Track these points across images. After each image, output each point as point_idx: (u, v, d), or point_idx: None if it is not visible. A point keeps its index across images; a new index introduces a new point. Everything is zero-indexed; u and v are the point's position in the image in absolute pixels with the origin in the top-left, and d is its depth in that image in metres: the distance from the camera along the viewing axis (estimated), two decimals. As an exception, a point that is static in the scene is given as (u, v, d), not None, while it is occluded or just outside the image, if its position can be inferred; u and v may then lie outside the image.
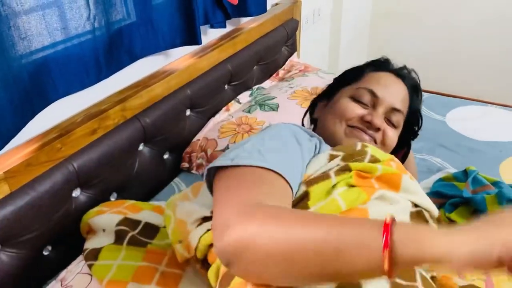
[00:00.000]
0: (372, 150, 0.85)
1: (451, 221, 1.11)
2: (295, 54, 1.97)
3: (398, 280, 0.67)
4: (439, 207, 1.15)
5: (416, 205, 0.81)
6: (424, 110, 1.71)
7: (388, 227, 0.51)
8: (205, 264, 0.82)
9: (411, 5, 2.79)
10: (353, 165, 0.79)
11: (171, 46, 1.31)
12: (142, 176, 1.23)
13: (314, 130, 1.06)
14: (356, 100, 0.98)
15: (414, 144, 1.49)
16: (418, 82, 1.08)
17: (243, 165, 0.70)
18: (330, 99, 1.04)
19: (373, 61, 1.09)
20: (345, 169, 0.79)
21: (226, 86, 1.56)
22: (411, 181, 0.83)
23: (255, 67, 1.72)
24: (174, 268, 0.91)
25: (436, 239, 0.50)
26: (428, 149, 1.46)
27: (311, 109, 1.12)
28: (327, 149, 0.86)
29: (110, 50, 1.12)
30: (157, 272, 0.89)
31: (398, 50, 2.92)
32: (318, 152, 0.85)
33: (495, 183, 1.15)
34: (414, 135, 1.11)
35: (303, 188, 0.76)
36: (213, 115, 1.49)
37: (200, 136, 1.40)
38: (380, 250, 0.50)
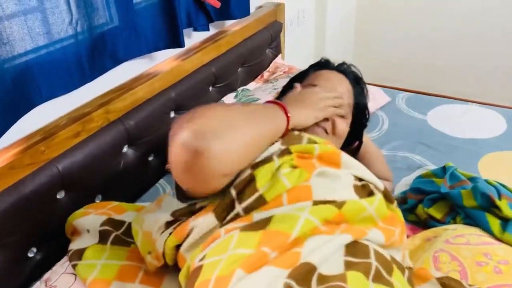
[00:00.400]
0: (308, 135, 0.90)
1: (430, 216, 1.14)
2: (280, 56, 2.00)
3: (352, 259, 0.71)
4: (419, 202, 1.19)
5: (360, 179, 0.85)
6: (406, 109, 1.75)
7: (284, 107, 0.87)
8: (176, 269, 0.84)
9: (395, 6, 2.84)
10: (292, 147, 0.84)
11: (154, 49, 1.33)
12: (127, 177, 1.25)
13: None
14: None
15: (396, 142, 1.53)
16: (359, 74, 1.15)
17: None
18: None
19: (314, 63, 1.18)
20: (286, 152, 0.83)
21: (210, 88, 1.58)
22: (350, 158, 0.88)
23: (239, 69, 1.74)
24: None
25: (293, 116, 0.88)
26: (409, 147, 1.49)
27: None
28: None
29: (93, 54, 1.14)
30: (141, 270, 0.91)
31: (382, 50, 2.97)
32: None
33: (472, 179, 1.18)
34: (363, 126, 1.17)
35: (248, 171, 0.79)
36: (198, 117, 1.51)
37: (185, 137, 1.42)
38: (284, 118, 0.86)
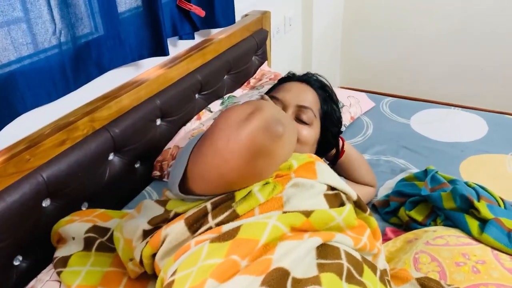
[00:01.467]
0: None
1: (411, 219, 1.16)
2: (266, 63, 2.02)
3: (324, 261, 0.73)
4: (401, 205, 1.21)
5: (333, 188, 0.87)
6: (389, 114, 1.78)
7: None
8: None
9: (381, 14, 2.88)
10: None
11: (139, 58, 1.34)
12: (113, 185, 1.26)
13: None
14: None
15: (379, 146, 1.56)
16: (325, 82, 1.19)
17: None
18: None
19: (282, 77, 1.23)
20: None
21: (196, 96, 1.60)
22: (324, 166, 0.90)
23: (225, 76, 1.76)
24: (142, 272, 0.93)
25: None
26: (392, 151, 1.52)
27: None
28: None
29: (78, 63, 1.15)
30: (125, 276, 0.92)
31: (369, 57, 3.01)
32: None
33: (452, 181, 1.21)
34: (338, 133, 1.19)
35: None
36: (184, 124, 1.52)
37: (171, 144, 1.44)
38: None
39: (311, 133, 1.08)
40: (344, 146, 1.23)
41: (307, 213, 0.79)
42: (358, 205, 0.89)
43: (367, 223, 0.90)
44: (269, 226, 0.75)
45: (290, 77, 1.21)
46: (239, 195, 0.80)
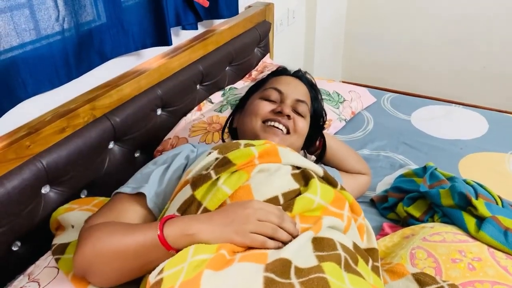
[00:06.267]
0: (245, 141, 0.96)
1: (409, 215, 1.17)
2: (268, 55, 2.02)
3: (322, 253, 0.74)
4: (399, 201, 1.21)
5: (299, 168, 0.92)
6: (390, 110, 1.78)
7: (161, 225, 0.76)
8: None
9: (384, 9, 2.87)
10: (230, 154, 0.88)
11: (142, 47, 1.34)
12: (112, 173, 1.26)
13: (235, 138, 1.18)
14: (265, 99, 1.11)
15: (379, 141, 1.56)
16: (314, 81, 1.25)
17: (118, 192, 0.95)
18: (243, 108, 1.17)
19: (273, 71, 1.27)
20: (225, 162, 0.87)
21: (198, 86, 1.59)
22: (286, 148, 0.95)
23: (227, 67, 1.75)
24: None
25: (193, 227, 0.75)
26: (392, 147, 1.52)
27: (230, 123, 1.23)
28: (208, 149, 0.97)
29: (80, 50, 1.15)
30: (123, 265, 0.92)
31: (372, 52, 3.00)
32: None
33: (451, 178, 1.21)
34: (321, 128, 1.23)
35: (189, 192, 0.84)
36: (185, 114, 1.52)
37: (171, 134, 1.44)
38: (159, 245, 0.75)
39: (306, 125, 1.13)
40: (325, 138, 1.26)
41: (289, 206, 0.82)
42: (327, 180, 0.93)
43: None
44: None
45: (283, 72, 1.24)
46: (198, 194, 0.83)
